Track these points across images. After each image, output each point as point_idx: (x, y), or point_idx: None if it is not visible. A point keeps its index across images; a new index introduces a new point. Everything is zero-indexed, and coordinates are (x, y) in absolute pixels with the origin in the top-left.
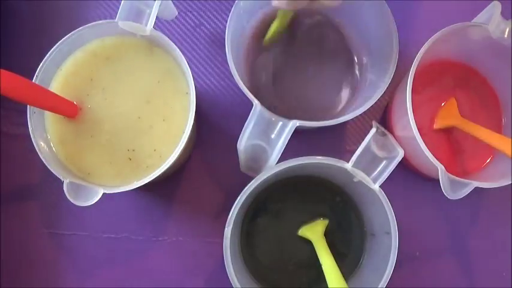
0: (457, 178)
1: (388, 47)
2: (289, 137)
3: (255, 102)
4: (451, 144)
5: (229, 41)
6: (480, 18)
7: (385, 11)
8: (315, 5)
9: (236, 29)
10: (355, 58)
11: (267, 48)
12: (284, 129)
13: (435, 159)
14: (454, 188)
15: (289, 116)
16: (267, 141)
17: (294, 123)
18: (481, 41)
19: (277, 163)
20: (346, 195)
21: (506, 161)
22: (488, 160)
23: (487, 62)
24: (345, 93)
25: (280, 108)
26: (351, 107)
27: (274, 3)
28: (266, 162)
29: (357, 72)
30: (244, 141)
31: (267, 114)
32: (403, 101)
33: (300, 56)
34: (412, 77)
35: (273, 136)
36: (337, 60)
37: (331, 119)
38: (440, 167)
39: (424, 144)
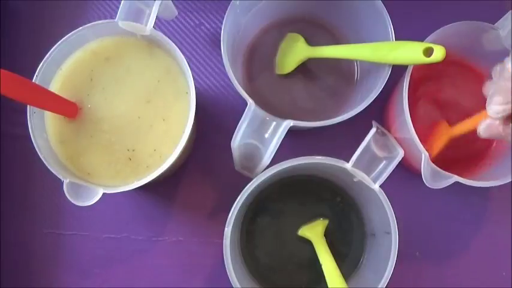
0: (440, 170)
1: None
2: (283, 136)
3: (249, 101)
4: (451, 145)
5: (225, 41)
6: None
7: (380, 10)
8: None
9: (232, 29)
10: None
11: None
12: (278, 129)
13: (423, 148)
14: (434, 177)
15: (285, 116)
16: (260, 140)
17: (287, 123)
18: (480, 40)
19: (275, 163)
20: (346, 195)
21: (506, 161)
22: (488, 160)
23: (487, 60)
24: (341, 95)
25: (277, 108)
26: (347, 108)
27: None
28: (260, 161)
29: (355, 73)
30: (238, 140)
31: (261, 113)
32: (401, 101)
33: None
34: (409, 77)
35: (266, 135)
36: (336, 64)
37: (327, 119)
38: (425, 154)
39: (420, 144)
